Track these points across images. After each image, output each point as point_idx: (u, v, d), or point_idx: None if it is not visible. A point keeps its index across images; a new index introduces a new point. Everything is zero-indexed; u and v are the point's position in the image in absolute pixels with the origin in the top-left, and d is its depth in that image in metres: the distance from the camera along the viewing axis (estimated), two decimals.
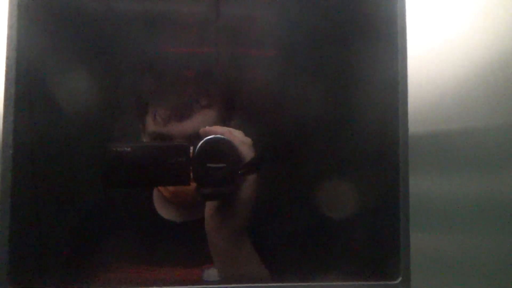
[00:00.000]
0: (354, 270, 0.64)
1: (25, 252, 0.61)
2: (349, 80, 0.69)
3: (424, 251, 0.65)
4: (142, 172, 0.55)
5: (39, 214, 0.65)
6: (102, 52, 0.75)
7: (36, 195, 0.63)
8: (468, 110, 0.69)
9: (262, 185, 0.59)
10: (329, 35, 0.69)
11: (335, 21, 0.68)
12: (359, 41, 0.67)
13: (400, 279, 0.61)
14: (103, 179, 0.54)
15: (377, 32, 0.64)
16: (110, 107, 0.76)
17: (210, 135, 0.57)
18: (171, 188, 0.73)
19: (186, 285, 0.61)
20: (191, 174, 0.56)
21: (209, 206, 0.59)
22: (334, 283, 0.60)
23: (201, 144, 0.56)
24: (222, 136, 0.57)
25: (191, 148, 0.56)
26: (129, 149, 0.54)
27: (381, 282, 0.61)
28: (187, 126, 0.69)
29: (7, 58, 0.55)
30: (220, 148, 0.56)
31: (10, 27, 0.56)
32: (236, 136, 0.58)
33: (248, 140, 0.58)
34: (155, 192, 0.79)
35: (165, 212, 0.78)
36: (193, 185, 0.58)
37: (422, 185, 0.68)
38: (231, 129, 0.59)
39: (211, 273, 0.71)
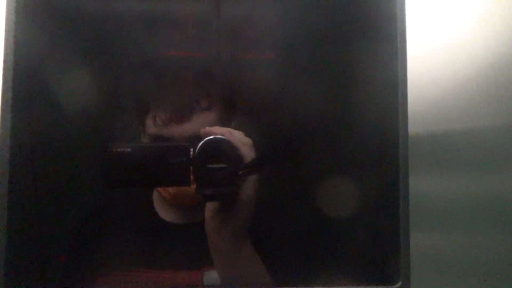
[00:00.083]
0: (354, 274, 0.64)
1: (24, 254, 0.60)
2: (349, 80, 0.69)
3: (424, 254, 0.65)
4: (143, 172, 0.55)
5: (38, 216, 0.65)
6: (101, 53, 0.75)
7: (36, 196, 0.62)
8: (468, 111, 0.69)
9: (263, 186, 0.58)
10: (329, 36, 0.69)
11: (335, 22, 0.68)
12: (359, 41, 0.68)
13: (400, 283, 0.61)
14: (104, 180, 0.54)
15: (377, 33, 0.64)
16: (110, 107, 0.76)
17: (210, 135, 0.57)
18: (171, 190, 0.72)
19: None
20: (192, 175, 0.55)
21: (210, 207, 0.59)
22: None
23: (201, 145, 0.56)
24: (223, 137, 0.57)
25: (191, 148, 0.56)
26: (129, 149, 0.54)
27: (382, 287, 0.61)
28: (188, 128, 0.69)
29: (5, 58, 0.55)
30: (220, 149, 0.56)
31: (7, 27, 0.55)
32: (237, 137, 0.58)
33: (248, 140, 0.58)
34: (155, 194, 0.79)
35: (165, 213, 0.77)
36: (193, 187, 0.57)
37: (422, 186, 0.68)
38: (231, 129, 0.59)
39: (212, 276, 0.70)
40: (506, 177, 0.69)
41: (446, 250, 0.69)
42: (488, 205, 0.69)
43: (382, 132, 0.65)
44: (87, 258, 0.74)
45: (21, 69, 0.56)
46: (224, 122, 0.70)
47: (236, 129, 0.60)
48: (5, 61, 0.54)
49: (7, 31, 0.56)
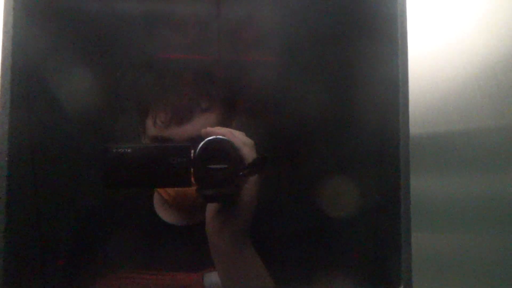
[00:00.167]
0: (356, 276, 0.63)
1: (23, 256, 0.59)
2: (350, 81, 0.69)
3: (426, 255, 0.65)
4: (143, 173, 0.54)
5: (38, 218, 0.64)
6: (101, 54, 0.75)
7: (35, 198, 0.62)
8: (469, 111, 0.69)
9: (264, 187, 0.58)
10: (330, 37, 0.70)
11: (336, 24, 0.68)
12: (359, 42, 0.68)
13: (401, 287, 0.60)
14: (104, 180, 0.53)
15: (377, 34, 0.64)
16: (110, 108, 0.75)
17: (211, 136, 0.56)
18: (171, 191, 0.72)
19: None
20: (192, 175, 0.55)
21: (210, 208, 0.58)
22: None
23: (202, 145, 0.55)
24: (223, 137, 0.56)
25: (192, 149, 0.56)
26: (129, 150, 0.54)
27: None
28: (188, 129, 0.69)
29: (3, 58, 0.54)
30: (221, 149, 0.56)
31: (5, 27, 0.55)
32: (238, 137, 0.57)
33: (249, 141, 0.58)
34: (155, 195, 0.78)
35: (165, 215, 0.77)
36: (194, 189, 0.57)
37: (423, 187, 0.68)
38: (232, 130, 0.59)
39: (212, 278, 0.70)
40: (507, 177, 0.69)
41: (447, 251, 0.68)
42: (489, 205, 0.68)
43: (383, 133, 0.65)
44: (87, 260, 0.74)
45: (19, 69, 0.55)
46: (225, 123, 0.70)
47: (237, 129, 0.60)
48: (3, 62, 0.54)
49: (5, 31, 0.55)
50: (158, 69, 0.77)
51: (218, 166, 0.55)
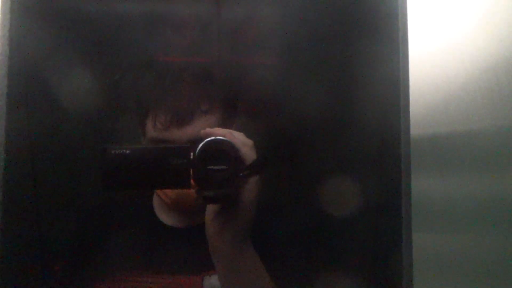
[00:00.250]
0: (357, 278, 0.63)
1: (22, 258, 0.59)
2: (350, 82, 0.69)
3: (426, 257, 0.64)
4: (142, 174, 0.54)
5: (36, 220, 0.63)
6: (100, 55, 0.75)
7: (34, 200, 0.61)
8: (470, 112, 0.68)
9: (265, 188, 0.57)
10: (331, 39, 0.69)
11: (337, 25, 0.68)
12: (360, 44, 0.67)
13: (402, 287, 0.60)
14: (102, 182, 0.53)
15: (378, 35, 0.64)
16: (110, 109, 0.75)
17: (211, 137, 0.56)
18: (171, 194, 0.71)
19: None
20: (192, 177, 0.54)
21: (210, 210, 0.58)
22: None
23: (201, 146, 0.55)
24: (223, 138, 0.56)
25: (192, 150, 0.55)
26: (128, 151, 0.53)
27: None
28: (188, 131, 0.68)
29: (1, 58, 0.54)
30: (221, 150, 0.55)
31: (2, 29, 0.54)
32: (238, 138, 0.57)
33: (249, 141, 0.57)
34: (155, 197, 0.78)
35: (165, 217, 0.76)
36: (193, 191, 0.56)
37: (424, 187, 0.67)
38: (232, 130, 0.58)
39: (212, 280, 0.69)
40: (507, 178, 0.69)
41: (448, 252, 0.68)
42: (490, 206, 0.68)
43: (384, 134, 0.65)
44: (86, 263, 0.73)
45: (18, 71, 0.55)
46: (225, 125, 0.69)
47: (237, 130, 0.59)
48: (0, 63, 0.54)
49: (2, 33, 0.55)
50: (157, 70, 0.76)
51: (218, 167, 0.54)
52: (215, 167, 0.54)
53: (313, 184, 0.70)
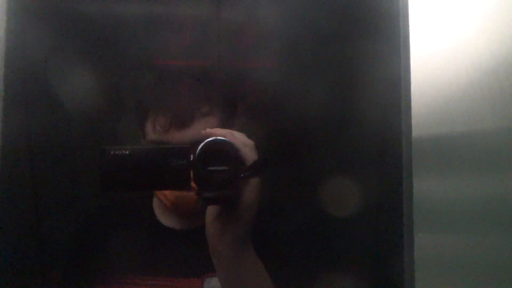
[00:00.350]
0: (359, 279, 0.63)
1: (22, 260, 0.58)
2: (351, 83, 0.69)
3: (428, 257, 0.64)
4: (142, 175, 0.53)
5: (36, 222, 0.63)
6: (99, 58, 0.74)
7: (34, 201, 0.60)
8: (471, 113, 0.68)
9: (265, 189, 0.57)
10: (332, 39, 0.69)
11: (337, 24, 0.68)
12: (361, 44, 0.67)
13: None
14: (102, 183, 0.52)
15: (380, 35, 0.64)
16: (109, 111, 0.74)
17: (211, 137, 0.55)
18: (171, 197, 0.71)
19: None
20: (192, 178, 0.54)
21: (210, 211, 0.57)
22: None
23: (201, 146, 0.54)
24: (224, 138, 0.55)
25: (192, 151, 0.54)
26: (127, 152, 0.53)
27: None
28: (188, 134, 0.68)
29: None
30: (221, 151, 0.54)
31: (1, 27, 0.54)
32: (238, 138, 0.56)
33: (250, 142, 0.57)
34: (155, 199, 0.77)
35: (165, 219, 0.76)
36: (193, 193, 0.56)
37: (426, 188, 0.67)
38: (233, 131, 0.57)
39: (213, 283, 0.69)
40: (509, 179, 0.69)
41: (450, 253, 0.67)
42: (492, 207, 0.68)
43: (386, 134, 0.64)
44: (85, 265, 0.73)
45: (17, 72, 0.54)
46: (225, 127, 0.69)
47: (237, 131, 0.58)
48: None
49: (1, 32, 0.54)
50: (157, 73, 0.76)
51: (218, 168, 0.54)
52: (215, 168, 0.54)
53: (314, 184, 0.70)
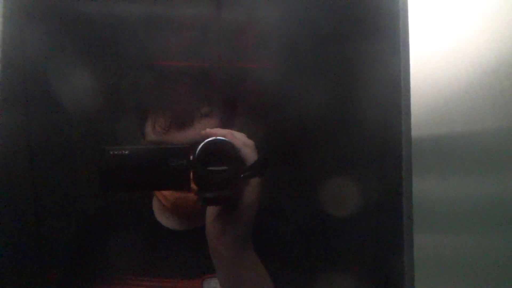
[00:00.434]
0: (359, 280, 0.63)
1: (21, 261, 0.58)
2: (351, 83, 0.69)
3: (428, 257, 0.64)
4: (141, 175, 0.53)
5: (36, 223, 0.63)
6: (99, 58, 0.74)
7: (33, 202, 0.60)
8: (471, 113, 0.68)
9: (266, 189, 0.57)
10: (331, 38, 0.69)
11: (337, 24, 0.68)
12: (361, 45, 0.67)
13: None
14: (101, 183, 0.52)
15: (379, 35, 0.64)
16: (109, 111, 0.74)
17: (211, 137, 0.55)
18: (171, 198, 0.71)
19: None
20: (192, 178, 0.54)
21: (210, 212, 0.57)
22: None
23: (201, 146, 0.54)
24: (224, 138, 0.55)
25: (191, 151, 0.54)
26: (127, 152, 0.53)
27: None
28: (188, 135, 0.68)
29: None
30: (221, 151, 0.54)
31: (1, 27, 0.54)
32: (238, 138, 0.56)
33: (250, 142, 0.57)
34: (155, 200, 0.77)
35: (165, 220, 0.76)
36: (192, 194, 0.55)
37: (425, 188, 0.67)
38: (233, 131, 0.57)
39: (213, 283, 0.69)
40: (509, 179, 0.69)
41: (450, 253, 0.67)
42: (491, 207, 0.68)
43: (385, 134, 0.64)
44: (85, 266, 0.73)
45: (16, 73, 0.54)
46: (225, 126, 0.69)
47: (238, 131, 0.58)
48: None
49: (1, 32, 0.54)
50: (157, 73, 0.76)
51: (218, 168, 0.54)
52: (216, 168, 0.53)
53: (314, 185, 0.70)
